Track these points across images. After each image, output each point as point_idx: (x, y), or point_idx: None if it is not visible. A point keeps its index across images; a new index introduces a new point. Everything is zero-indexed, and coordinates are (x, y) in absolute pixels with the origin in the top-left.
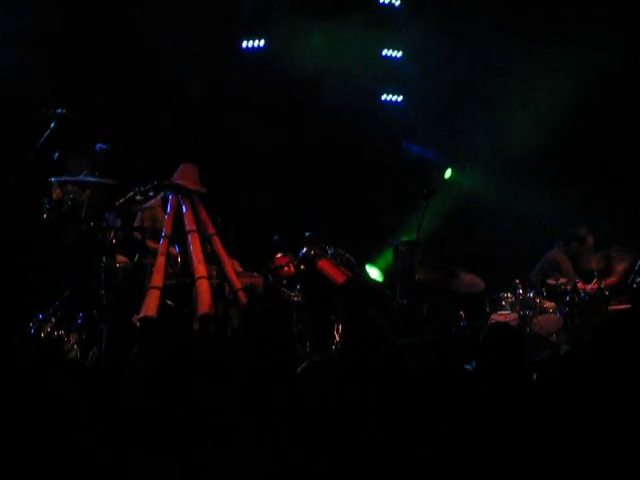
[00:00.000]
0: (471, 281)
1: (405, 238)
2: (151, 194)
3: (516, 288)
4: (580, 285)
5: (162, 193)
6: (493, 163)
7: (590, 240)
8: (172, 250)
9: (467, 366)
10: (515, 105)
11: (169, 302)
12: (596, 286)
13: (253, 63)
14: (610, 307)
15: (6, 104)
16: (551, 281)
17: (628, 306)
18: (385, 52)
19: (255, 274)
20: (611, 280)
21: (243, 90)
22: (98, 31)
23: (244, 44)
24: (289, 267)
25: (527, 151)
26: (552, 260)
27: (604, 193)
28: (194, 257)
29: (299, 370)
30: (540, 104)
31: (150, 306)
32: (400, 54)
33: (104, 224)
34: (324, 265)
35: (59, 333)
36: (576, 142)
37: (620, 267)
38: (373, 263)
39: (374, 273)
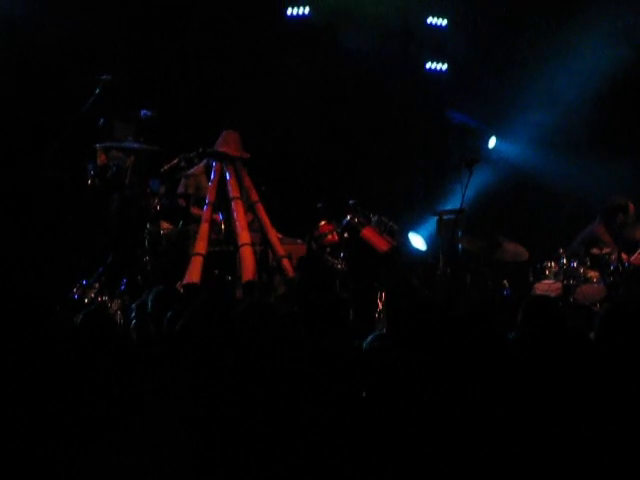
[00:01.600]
0: (515, 250)
1: (449, 207)
2: (195, 161)
3: (560, 257)
4: (623, 256)
5: (205, 160)
6: (538, 133)
7: (632, 208)
8: (216, 217)
9: (509, 336)
10: (562, 75)
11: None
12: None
13: (297, 31)
14: None
15: (54, 70)
16: (595, 251)
17: None
18: (430, 20)
19: (299, 241)
20: None
21: (288, 58)
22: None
23: (289, 11)
24: (333, 235)
25: (573, 122)
26: (591, 233)
27: None
28: (238, 224)
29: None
30: (588, 74)
31: (194, 273)
32: (445, 22)
33: (148, 190)
34: (368, 233)
35: (102, 299)
36: (623, 114)
37: None
38: (417, 231)
39: (418, 242)
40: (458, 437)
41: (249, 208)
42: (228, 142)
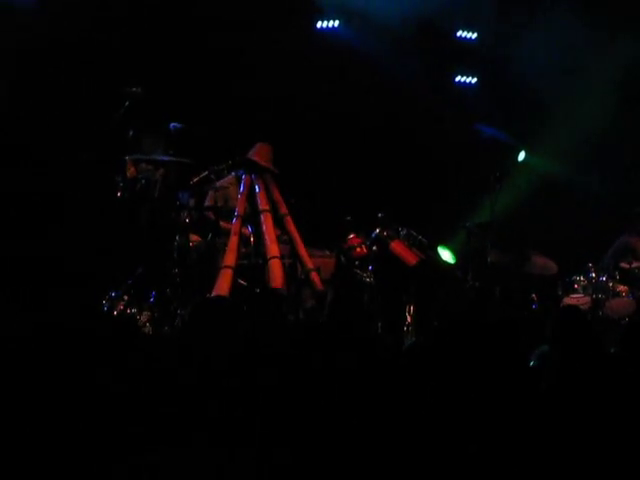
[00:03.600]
0: (544, 264)
1: (478, 220)
2: (225, 173)
3: (589, 271)
4: None
5: (234, 172)
6: (568, 145)
7: None
8: (245, 231)
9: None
10: (590, 86)
11: (242, 282)
12: None
13: (327, 44)
14: None
15: (83, 82)
16: (624, 265)
17: None
18: (460, 33)
19: (327, 253)
20: None
21: (317, 70)
22: (174, 12)
23: (319, 24)
24: (361, 248)
25: (603, 134)
26: (625, 244)
27: None
28: (267, 237)
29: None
30: (619, 85)
31: (223, 285)
32: (475, 35)
33: (177, 203)
34: (396, 246)
35: (131, 311)
36: None
37: None
38: (445, 245)
39: (446, 255)
40: (480, 446)
41: (278, 221)
42: (260, 153)
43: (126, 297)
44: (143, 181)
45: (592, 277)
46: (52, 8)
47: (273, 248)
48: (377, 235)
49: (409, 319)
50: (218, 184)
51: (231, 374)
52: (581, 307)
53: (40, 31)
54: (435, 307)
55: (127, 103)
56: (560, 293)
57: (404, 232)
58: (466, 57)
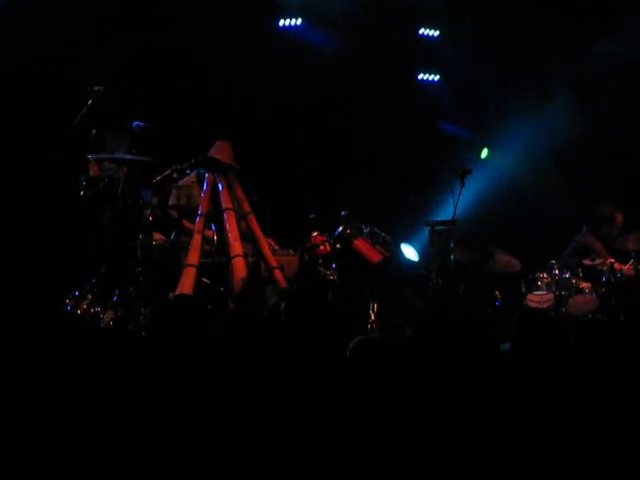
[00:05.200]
0: (507, 261)
1: (441, 218)
2: (188, 172)
3: (552, 268)
4: (616, 266)
5: (197, 171)
6: (530, 143)
7: (619, 218)
8: (208, 232)
9: (503, 346)
10: (554, 83)
11: (205, 280)
12: (632, 267)
13: (288, 41)
14: None
15: (45, 81)
16: (587, 261)
17: None
18: (422, 31)
19: (291, 252)
20: None
21: (279, 69)
22: (138, 10)
23: (281, 22)
24: (325, 246)
25: (565, 131)
26: (582, 244)
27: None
28: (230, 235)
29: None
30: (582, 82)
31: (186, 284)
32: (437, 33)
33: (141, 202)
34: (360, 244)
35: (95, 310)
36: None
37: None
38: (409, 242)
39: (410, 252)
40: (451, 445)
41: (241, 219)
42: (221, 150)
43: (89, 296)
44: (106, 180)
45: (555, 274)
46: (21, 9)
47: (236, 246)
48: (340, 233)
49: (373, 317)
50: (181, 182)
51: (195, 373)
52: (544, 304)
53: (7, 30)
54: (399, 305)
55: (90, 102)
56: (523, 290)
57: (367, 230)
58: (428, 55)
